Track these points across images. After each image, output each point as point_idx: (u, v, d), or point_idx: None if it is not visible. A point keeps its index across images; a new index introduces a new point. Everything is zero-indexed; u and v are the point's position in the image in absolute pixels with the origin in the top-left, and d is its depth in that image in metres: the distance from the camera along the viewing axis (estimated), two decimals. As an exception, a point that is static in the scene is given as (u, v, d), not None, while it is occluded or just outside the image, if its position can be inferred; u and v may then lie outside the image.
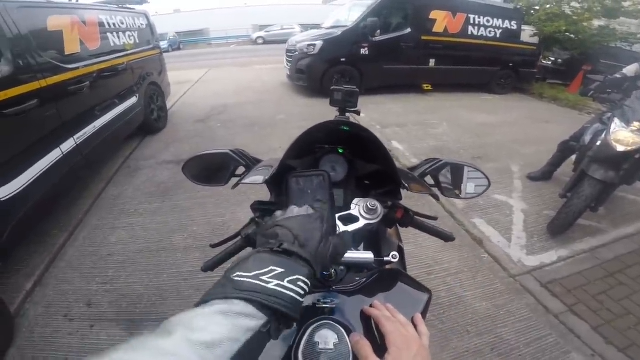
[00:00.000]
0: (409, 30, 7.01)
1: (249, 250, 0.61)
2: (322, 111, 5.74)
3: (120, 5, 4.57)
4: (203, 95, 7.64)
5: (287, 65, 7.69)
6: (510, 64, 7.93)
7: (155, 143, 4.76)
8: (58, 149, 2.65)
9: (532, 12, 9.14)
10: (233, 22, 30.80)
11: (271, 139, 4.76)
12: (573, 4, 8.61)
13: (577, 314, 2.10)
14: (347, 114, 1.28)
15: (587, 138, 2.82)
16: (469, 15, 7.33)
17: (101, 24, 3.80)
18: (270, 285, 0.38)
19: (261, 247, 0.46)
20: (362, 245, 0.81)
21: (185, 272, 2.34)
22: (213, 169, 0.99)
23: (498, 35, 7.69)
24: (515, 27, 7.83)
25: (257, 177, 0.82)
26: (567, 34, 8.37)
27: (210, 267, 0.81)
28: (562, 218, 2.65)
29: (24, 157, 2.31)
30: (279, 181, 0.75)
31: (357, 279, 0.69)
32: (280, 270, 0.40)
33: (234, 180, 0.93)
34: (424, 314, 0.66)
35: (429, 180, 0.94)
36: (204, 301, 0.37)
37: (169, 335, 0.32)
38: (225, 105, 6.59)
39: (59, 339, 1.91)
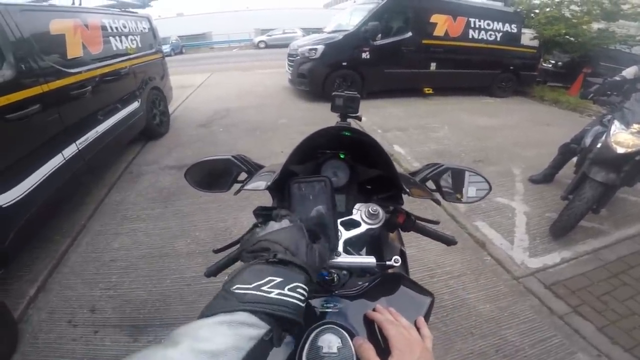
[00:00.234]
0: (409, 34, 7.04)
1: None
2: (323, 115, 5.75)
3: (123, 9, 4.58)
4: (205, 100, 7.67)
5: (289, 69, 7.73)
6: (511, 67, 7.96)
7: (157, 148, 4.78)
8: (60, 154, 2.65)
9: (532, 15, 9.15)
10: (235, 26, 30.94)
11: (273, 143, 4.78)
12: (572, 7, 8.62)
13: (582, 314, 2.09)
14: (348, 120, 1.29)
15: (588, 140, 2.82)
16: (470, 19, 7.36)
17: (104, 28, 3.81)
18: (272, 295, 0.40)
19: (248, 262, 0.47)
20: (364, 250, 0.81)
21: (189, 277, 2.35)
22: (215, 175, 1.00)
23: (498, 39, 7.72)
24: (515, 31, 7.86)
25: (260, 183, 0.83)
26: (567, 36, 8.37)
27: (213, 272, 0.81)
28: (564, 220, 2.65)
29: (26, 163, 2.30)
30: (281, 187, 0.75)
31: (360, 283, 0.69)
32: (279, 279, 0.42)
33: (237, 186, 0.94)
34: (426, 317, 0.66)
35: (430, 185, 0.95)
36: (208, 314, 0.39)
37: (176, 345, 0.33)
38: (228, 110, 6.62)
39: (63, 344, 1.91)
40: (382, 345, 0.56)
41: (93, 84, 3.26)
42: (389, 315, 0.59)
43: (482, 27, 7.52)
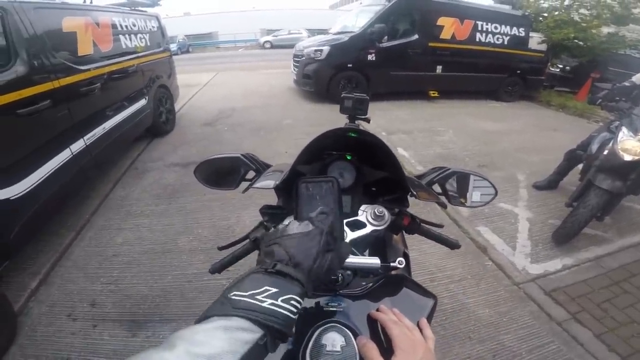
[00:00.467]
0: (416, 36, 7.02)
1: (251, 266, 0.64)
2: (328, 116, 5.77)
3: (133, 8, 4.63)
4: (211, 99, 7.71)
5: (294, 70, 7.74)
6: (518, 71, 7.90)
7: (162, 145, 4.82)
8: (68, 149, 2.69)
9: (540, 18, 9.06)
10: (241, 26, 31.11)
11: (277, 143, 4.79)
12: (582, 10, 8.53)
13: (581, 321, 2.08)
14: (357, 122, 1.29)
15: (594, 147, 2.78)
16: (477, 22, 7.33)
17: (114, 26, 3.85)
18: (265, 304, 0.41)
19: (260, 263, 0.49)
20: (367, 251, 0.82)
21: (190, 274, 2.36)
22: (224, 173, 1.00)
23: (506, 42, 7.67)
24: (523, 34, 7.80)
25: (268, 182, 0.84)
26: (576, 41, 8.27)
27: (217, 269, 0.82)
28: (567, 227, 2.63)
29: (34, 157, 2.34)
30: (288, 186, 0.76)
31: (364, 283, 0.70)
32: (274, 289, 0.43)
33: (245, 184, 0.95)
34: (429, 318, 0.67)
35: (436, 188, 0.95)
36: (204, 318, 0.40)
37: (172, 349, 0.34)
38: (233, 109, 6.65)
39: (62, 338, 1.92)
40: (385, 345, 0.56)
41: (102, 81, 3.31)
42: (392, 316, 0.60)
43: (490, 30, 7.48)
